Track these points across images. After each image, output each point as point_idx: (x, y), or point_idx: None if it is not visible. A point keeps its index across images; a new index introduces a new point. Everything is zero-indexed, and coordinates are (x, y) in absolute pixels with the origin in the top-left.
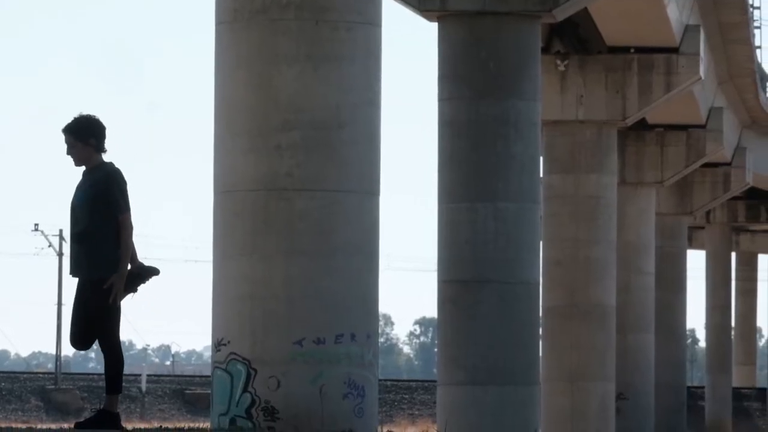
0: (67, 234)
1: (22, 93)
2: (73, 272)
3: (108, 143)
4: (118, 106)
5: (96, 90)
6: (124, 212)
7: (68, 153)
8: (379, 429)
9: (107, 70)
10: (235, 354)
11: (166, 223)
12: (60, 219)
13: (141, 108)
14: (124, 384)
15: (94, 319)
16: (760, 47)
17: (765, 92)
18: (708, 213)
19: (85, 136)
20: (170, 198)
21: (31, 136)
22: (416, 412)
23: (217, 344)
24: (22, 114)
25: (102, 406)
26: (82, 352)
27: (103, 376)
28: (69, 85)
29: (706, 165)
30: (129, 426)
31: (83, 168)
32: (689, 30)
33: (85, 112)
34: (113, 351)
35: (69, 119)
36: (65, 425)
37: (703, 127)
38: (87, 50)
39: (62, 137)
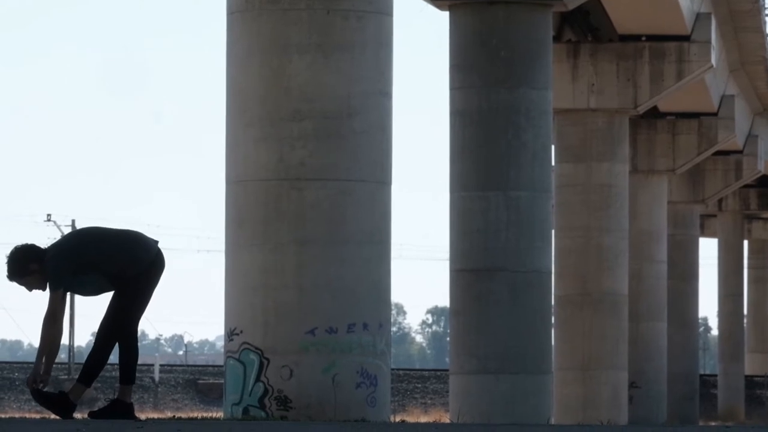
0: (79, 224)
1: (33, 84)
2: None
3: (120, 135)
4: (125, 97)
5: (103, 82)
6: (50, 290)
7: (30, 290)
8: (391, 418)
9: (113, 64)
10: (247, 343)
11: (179, 213)
12: (73, 209)
13: (150, 100)
14: (137, 374)
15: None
16: None
17: None
18: (720, 201)
19: (25, 269)
20: (182, 188)
21: (44, 126)
22: (429, 402)
23: (230, 334)
24: (34, 104)
25: (116, 396)
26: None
27: (116, 366)
28: (79, 74)
29: (718, 153)
30: (142, 416)
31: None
32: (700, 18)
33: (6, 252)
34: (132, 342)
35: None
36: (78, 415)
37: (714, 115)
38: (90, 44)
39: (72, 138)
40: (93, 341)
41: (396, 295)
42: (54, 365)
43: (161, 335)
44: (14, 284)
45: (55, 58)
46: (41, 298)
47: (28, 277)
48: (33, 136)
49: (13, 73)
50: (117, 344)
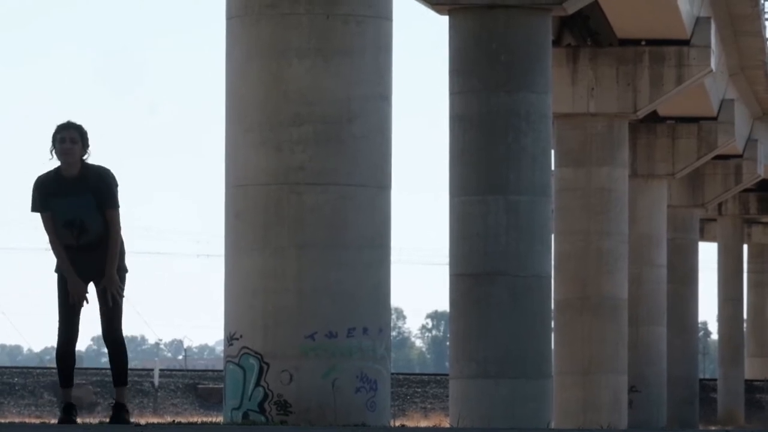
0: None
1: (33, 84)
2: (88, 278)
3: (119, 139)
4: (125, 97)
5: (103, 82)
6: (113, 208)
7: (65, 151)
8: (391, 423)
9: (112, 64)
10: (247, 348)
11: (178, 218)
12: None
13: (150, 103)
14: (136, 379)
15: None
16: None
17: None
18: (720, 205)
19: (85, 138)
20: (182, 192)
21: (44, 126)
22: (429, 406)
23: (230, 338)
24: (34, 104)
25: (115, 400)
26: (95, 347)
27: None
28: (79, 74)
29: (718, 157)
30: (142, 421)
31: (53, 174)
32: (700, 22)
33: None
34: (121, 343)
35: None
36: (78, 420)
37: (714, 119)
38: (89, 44)
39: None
40: (90, 346)
41: (396, 300)
42: (53, 370)
43: (161, 340)
44: (60, 137)
45: (55, 58)
46: (40, 301)
47: (80, 142)
48: (33, 136)
49: (13, 73)
50: (109, 349)
